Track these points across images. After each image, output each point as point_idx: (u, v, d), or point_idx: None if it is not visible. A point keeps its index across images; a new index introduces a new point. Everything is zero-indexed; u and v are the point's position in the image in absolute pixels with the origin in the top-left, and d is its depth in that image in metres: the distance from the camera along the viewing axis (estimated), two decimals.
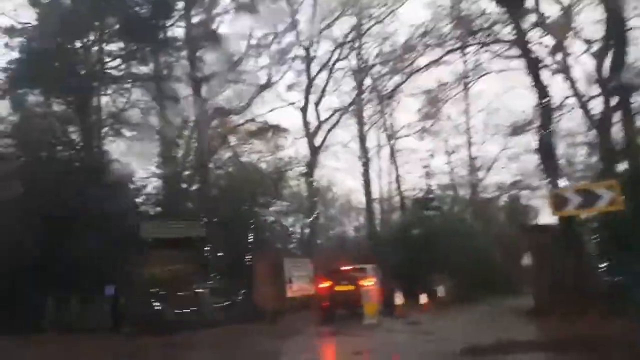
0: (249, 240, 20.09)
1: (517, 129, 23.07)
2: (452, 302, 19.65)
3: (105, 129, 25.74)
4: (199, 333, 14.55)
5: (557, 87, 18.70)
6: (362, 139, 29.79)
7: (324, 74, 28.69)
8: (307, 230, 28.85)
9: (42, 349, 12.35)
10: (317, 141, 28.45)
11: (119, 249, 16.95)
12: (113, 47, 25.81)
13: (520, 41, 16.26)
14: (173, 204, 22.14)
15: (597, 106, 17.38)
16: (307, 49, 27.78)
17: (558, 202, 13.24)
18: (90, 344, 13.16)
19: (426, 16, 20.89)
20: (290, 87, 28.62)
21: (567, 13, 18.54)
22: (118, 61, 25.87)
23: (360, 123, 29.66)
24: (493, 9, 18.55)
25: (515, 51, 19.19)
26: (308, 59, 27.85)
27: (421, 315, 15.95)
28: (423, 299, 17.99)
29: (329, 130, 28.87)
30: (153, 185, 25.95)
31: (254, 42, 26.90)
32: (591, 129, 18.12)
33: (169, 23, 25.48)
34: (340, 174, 32.36)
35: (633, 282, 12.18)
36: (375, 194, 31.08)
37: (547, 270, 13.68)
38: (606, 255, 14.35)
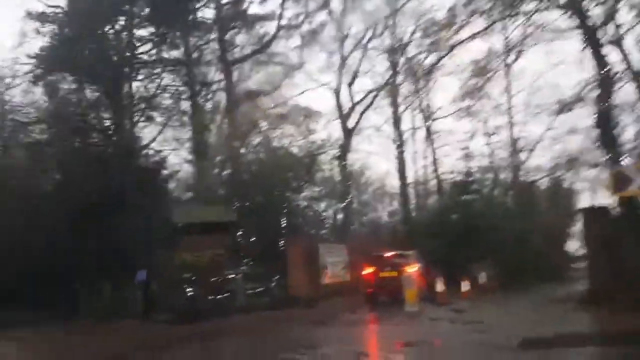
0: (282, 226, 19.58)
1: (565, 106, 21.58)
2: (494, 289, 18.67)
3: (136, 115, 25.70)
4: (232, 320, 14.17)
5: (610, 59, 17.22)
6: (397, 121, 28.76)
7: (357, 54, 27.79)
8: (340, 216, 28.23)
9: (73, 339, 12.12)
10: (351, 124, 27.65)
11: (151, 234, 16.75)
12: (143, 32, 25.69)
13: (577, 7, 14.93)
14: (205, 190, 21.85)
15: None
16: (339, 28, 26.82)
17: (619, 181, 12.09)
18: (122, 332, 12.90)
19: None
20: (322, 69, 27.83)
21: None
22: (149, 46, 25.72)
23: (395, 104, 28.61)
24: None
25: (566, 22, 17.86)
26: (341, 39, 26.91)
27: (463, 302, 15.09)
28: (465, 286, 17.11)
29: (363, 112, 28.01)
30: (185, 170, 25.85)
31: (284, 22, 26.09)
32: None
33: (198, 5, 25.06)
34: (374, 157, 31.50)
35: None
36: (410, 178, 30.09)
37: (605, 256, 12.57)
38: None
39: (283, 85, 26.61)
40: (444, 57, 19.67)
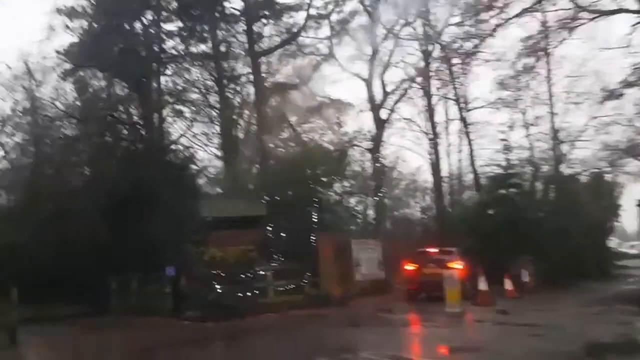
0: (313, 221, 18.91)
1: (612, 94, 20.16)
2: (538, 288, 17.56)
3: (165, 110, 25.52)
4: (262, 318, 13.62)
5: None
6: (431, 112, 27.68)
7: (389, 43, 26.79)
8: (371, 212, 27.43)
9: (103, 335, 11.79)
10: (383, 115, 26.72)
11: (180, 230, 16.42)
12: (171, 26, 25.48)
13: None
14: (234, 184, 21.42)
15: None
16: (370, 16, 25.86)
17: None
18: (153, 328, 12.52)
19: None
20: (353, 59, 26.91)
21: None
22: (176, 40, 25.49)
23: (428, 95, 27.52)
24: None
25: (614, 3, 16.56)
26: (372, 27, 25.94)
27: (508, 302, 14.09)
28: (508, 284, 16.07)
29: (396, 103, 27.03)
30: (214, 165, 25.52)
31: (313, 11, 25.33)
32: None
33: None
34: (405, 152, 30.41)
35: None
36: (444, 171, 28.95)
37: None
38: None
39: (312, 77, 25.89)
40: (486, 38, 18.38)
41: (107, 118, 22.92)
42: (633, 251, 37.97)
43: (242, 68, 25.35)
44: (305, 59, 26.24)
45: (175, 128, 25.15)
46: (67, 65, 23.24)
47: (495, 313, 12.03)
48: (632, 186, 28.82)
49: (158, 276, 15.71)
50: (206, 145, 25.06)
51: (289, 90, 25.66)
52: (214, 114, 25.19)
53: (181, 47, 25.28)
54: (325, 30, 25.90)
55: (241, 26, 24.65)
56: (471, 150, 27.23)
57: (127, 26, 24.13)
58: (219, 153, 24.97)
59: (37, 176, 21.67)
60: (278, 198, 18.97)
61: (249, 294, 14.82)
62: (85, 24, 23.34)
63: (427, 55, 26.81)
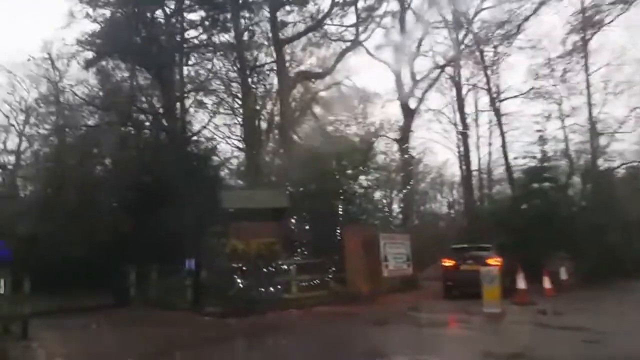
0: (338, 214, 18.18)
1: None
2: (577, 286, 16.50)
3: (187, 100, 25.16)
4: (285, 315, 12.98)
5: None
6: (460, 103, 26.65)
7: (418, 31, 25.83)
8: (397, 205, 26.59)
9: (115, 331, 11.31)
10: (411, 105, 25.81)
11: (201, 222, 15.95)
12: (194, 15, 25.10)
13: None
14: (256, 176, 20.88)
15: None
16: (398, 2, 24.89)
17: None
18: (171, 325, 11.99)
19: None
20: (379, 47, 26.01)
21: None
22: (199, 30, 25.09)
23: (458, 86, 26.50)
24: None
25: None
26: (401, 14, 24.95)
27: (548, 301, 13.14)
28: (546, 282, 15.09)
29: (425, 92, 26.09)
30: (236, 156, 25.06)
31: None
32: None
33: None
34: (432, 145, 29.44)
35: None
36: (474, 164, 27.89)
37: None
38: None
39: (338, 66, 25.07)
40: (527, 19, 17.24)
41: (129, 108, 22.61)
42: None
43: (266, 57, 24.79)
44: (330, 48, 25.48)
45: (197, 119, 24.78)
46: (88, 54, 22.99)
47: (537, 314, 11.13)
48: None
49: (178, 269, 15.23)
50: (228, 137, 24.62)
51: (313, 79, 24.95)
52: (237, 104, 24.71)
53: (203, 36, 24.89)
54: (351, 18, 25.05)
55: (264, 14, 24.04)
56: (504, 142, 26.13)
57: (149, 15, 23.79)
58: (241, 145, 24.52)
59: (60, 167, 21.49)
60: (302, 189, 18.32)
61: (271, 288, 14.20)
62: (107, 12, 23.03)
63: (458, 42, 25.76)
